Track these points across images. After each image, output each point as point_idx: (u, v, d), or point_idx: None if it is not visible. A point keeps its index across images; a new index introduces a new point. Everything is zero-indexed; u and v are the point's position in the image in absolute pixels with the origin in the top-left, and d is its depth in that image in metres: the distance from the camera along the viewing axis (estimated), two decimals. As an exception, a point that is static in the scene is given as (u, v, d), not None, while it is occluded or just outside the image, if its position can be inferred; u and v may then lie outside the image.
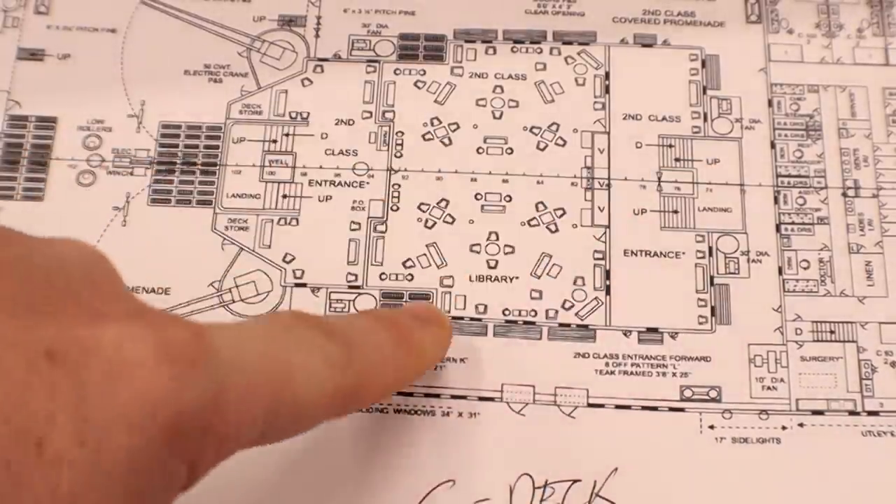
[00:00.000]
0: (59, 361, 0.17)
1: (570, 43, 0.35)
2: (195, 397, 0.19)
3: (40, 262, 0.20)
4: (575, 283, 0.32)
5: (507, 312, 0.31)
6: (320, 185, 0.33)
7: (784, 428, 0.30)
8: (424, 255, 0.32)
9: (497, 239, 0.32)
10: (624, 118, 0.34)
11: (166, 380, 0.18)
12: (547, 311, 0.31)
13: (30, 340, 0.18)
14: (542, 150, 0.33)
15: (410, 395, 0.30)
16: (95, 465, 0.17)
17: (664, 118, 0.34)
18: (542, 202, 0.33)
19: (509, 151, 0.33)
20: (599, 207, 0.33)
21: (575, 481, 0.29)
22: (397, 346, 0.26)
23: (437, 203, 0.33)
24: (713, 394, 0.30)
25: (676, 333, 0.31)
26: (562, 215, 0.33)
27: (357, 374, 0.24)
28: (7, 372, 0.17)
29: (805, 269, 0.32)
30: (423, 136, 0.34)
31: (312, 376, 0.22)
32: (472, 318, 0.31)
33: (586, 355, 0.31)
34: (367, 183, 0.33)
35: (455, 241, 0.32)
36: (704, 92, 0.34)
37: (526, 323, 0.31)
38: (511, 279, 0.32)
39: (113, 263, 0.22)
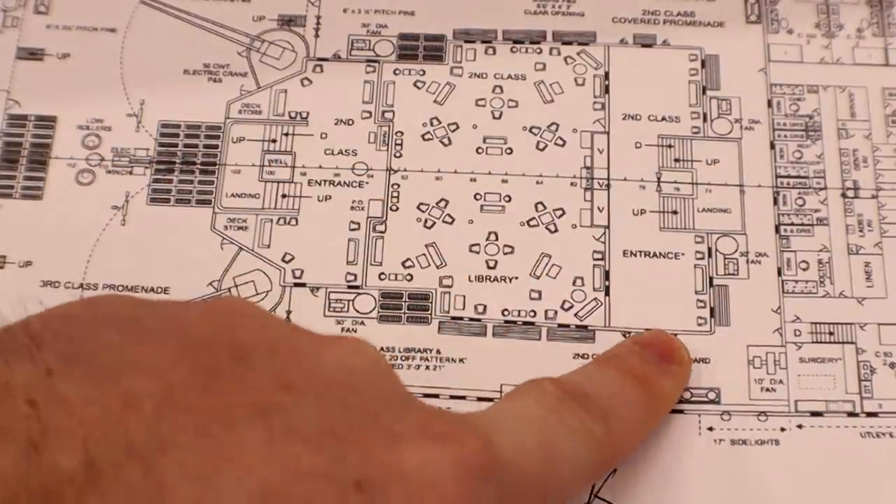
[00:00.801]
0: (367, 491, 0.18)
1: (569, 43, 0.35)
2: None
3: (331, 378, 0.20)
4: (574, 283, 0.32)
5: (506, 313, 0.31)
6: (320, 184, 0.33)
7: (783, 429, 0.30)
8: (424, 255, 0.32)
9: (496, 239, 0.32)
10: (623, 118, 0.34)
11: (465, 497, 0.19)
12: (546, 311, 0.31)
13: (340, 473, 0.18)
14: (542, 150, 0.33)
15: (409, 395, 0.30)
16: None
17: (664, 118, 0.34)
18: (541, 202, 0.33)
19: (509, 151, 0.33)
20: (599, 208, 0.33)
21: (574, 482, 0.29)
22: (646, 404, 0.27)
23: (437, 203, 0.33)
24: (712, 395, 0.30)
25: (675, 334, 0.31)
26: (561, 215, 0.33)
27: (613, 445, 0.25)
28: None
29: (804, 270, 0.32)
30: (423, 136, 0.34)
31: (577, 459, 0.23)
32: (471, 319, 0.31)
33: (586, 356, 0.31)
34: (367, 183, 0.33)
35: (454, 242, 0.32)
36: (704, 92, 0.34)
37: (525, 323, 0.31)
38: (510, 279, 0.32)
39: (390, 365, 0.22)
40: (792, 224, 0.32)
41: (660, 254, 0.32)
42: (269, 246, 0.32)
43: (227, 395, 0.18)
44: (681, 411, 0.30)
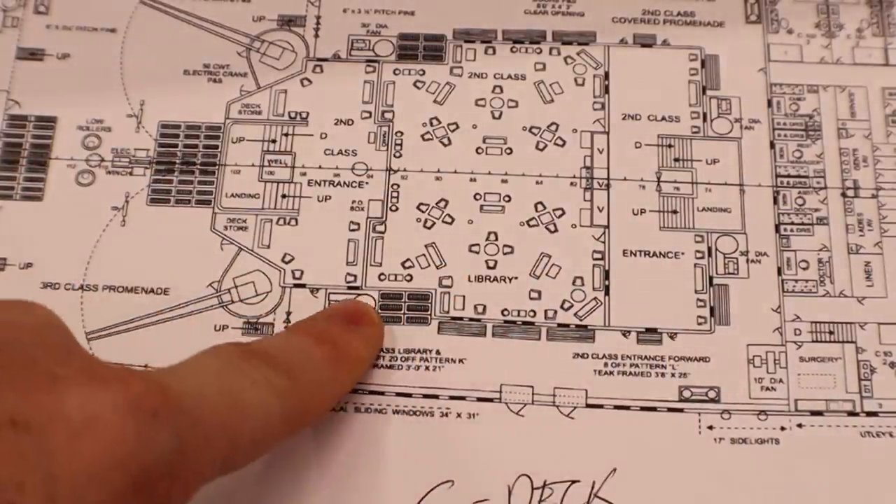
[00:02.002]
0: (24, 428, 0.18)
1: (569, 43, 0.35)
2: (160, 447, 0.20)
3: None
4: (574, 283, 0.32)
5: (506, 313, 0.31)
6: (319, 185, 0.33)
7: (783, 429, 0.30)
8: (423, 255, 0.32)
9: (496, 239, 0.32)
10: (623, 118, 0.34)
11: (131, 433, 0.19)
12: (546, 311, 0.31)
13: None
14: (542, 150, 0.33)
15: (409, 395, 0.30)
16: None
17: (663, 118, 0.34)
18: (541, 202, 0.33)
19: (508, 151, 0.33)
20: (599, 207, 0.33)
21: (573, 482, 0.29)
22: (333, 362, 0.28)
23: (437, 203, 0.33)
24: (712, 394, 0.30)
25: (675, 334, 0.31)
26: (561, 215, 0.33)
27: (300, 397, 0.25)
28: None
29: (804, 269, 0.32)
30: (423, 136, 0.34)
31: (263, 409, 0.24)
32: (470, 319, 0.31)
33: (585, 356, 0.31)
34: (367, 183, 0.33)
35: (454, 242, 0.32)
36: (704, 92, 0.34)
37: (525, 323, 0.31)
38: (510, 279, 0.32)
39: (64, 323, 0.23)
40: (792, 223, 0.32)
41: (660, 253, 0.32)
42: (268, 246, 0.32)
43: None
44: (680, 410, 0.30)
